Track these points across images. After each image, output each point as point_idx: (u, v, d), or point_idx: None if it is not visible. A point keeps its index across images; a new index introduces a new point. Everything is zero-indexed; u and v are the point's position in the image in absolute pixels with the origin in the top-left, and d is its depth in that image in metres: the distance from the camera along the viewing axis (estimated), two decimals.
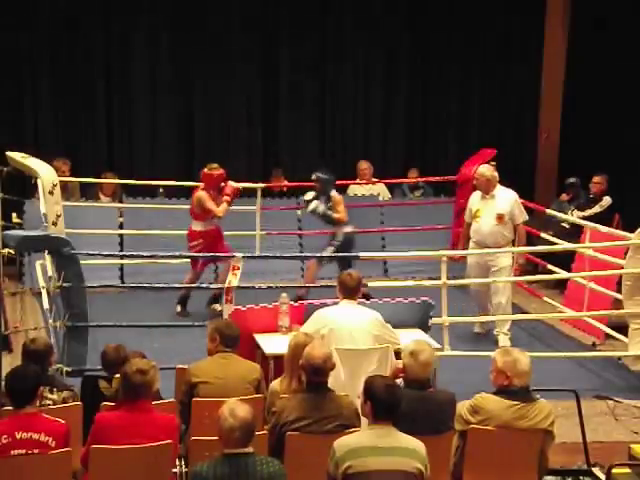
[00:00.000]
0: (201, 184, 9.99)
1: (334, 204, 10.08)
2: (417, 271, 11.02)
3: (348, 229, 10.13)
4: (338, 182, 12.09)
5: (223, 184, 9.93)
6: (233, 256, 7.90)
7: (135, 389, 5.18)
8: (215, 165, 10.00)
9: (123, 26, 12.85)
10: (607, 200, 11.17)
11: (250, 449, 4.62)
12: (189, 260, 9.90)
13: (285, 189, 12.23)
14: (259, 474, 4.57)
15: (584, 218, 10.49)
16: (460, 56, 13.63)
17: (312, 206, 10.13)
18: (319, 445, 5.12)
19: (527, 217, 9.43)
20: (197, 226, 9.86)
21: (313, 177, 10.26)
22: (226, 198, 9.79)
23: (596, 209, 11.14)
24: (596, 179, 11.26)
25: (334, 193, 10.16)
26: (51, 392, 5.74)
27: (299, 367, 5.61)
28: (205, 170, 9.94)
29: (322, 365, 5.45)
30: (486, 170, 9.45)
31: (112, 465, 5.10)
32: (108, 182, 11.75)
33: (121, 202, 11.60)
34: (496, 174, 9.40)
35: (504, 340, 9.02)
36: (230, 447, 4.59)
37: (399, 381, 5.69)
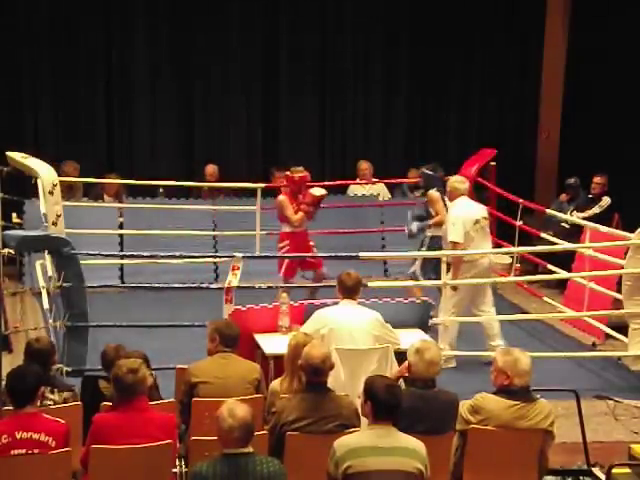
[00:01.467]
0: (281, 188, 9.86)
1: (430, 202, 9.55)
2: None
3: (436, 233, 9.36)
4: (338, 182, 12.14)
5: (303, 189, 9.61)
6: (233, 256, 7.89)
7: (129, 389, 5.19)
8: (299, 168, 9.67)
9: (123, 26, 12.85)
10: (606, 200, 11.18)
11: (250, 449, 4.62)
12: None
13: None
14: (259, 474, 4.57)
15: (584, 219, 10.49)
16: (460, 56, 13.63)
17: (408, 230, 9.61)
18: (319, 445, 5.12)
19: (455, 239, 8.61)
20: (285, 228, 9.60)
21: (419, 172, 10.11)
22: (304, 207, 9.47)
23: (595, 209, 11.14)
24: (597, 179, 11.26)
25: (432, 191, 9.59)
26: (52, 392, 5.74)
27: (299, 367, 5.61)
28: (287, 173, 9.70)
29: (320, 365, 5.44)
30: (449, 179, 9.14)
31: (112, 465, 5.10)
32: (108, 182, 11.75)
33: (121, 202, 11.60)
34: (457, 186, 8.89)
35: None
36: (230, 447, 4.59)
37: (400, 381, 5.69)
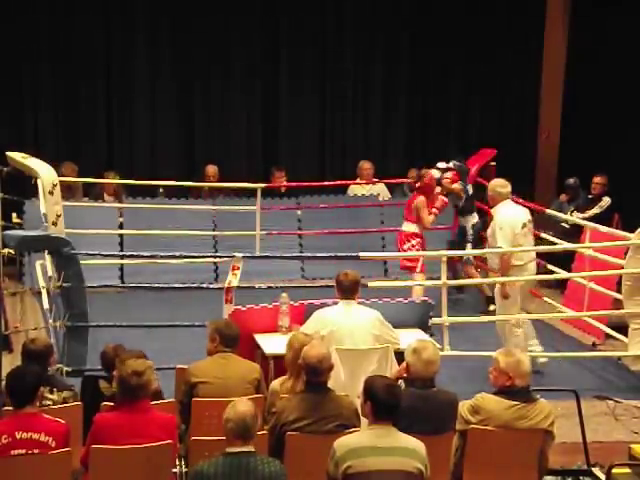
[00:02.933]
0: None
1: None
2: None
3: (475, 220, 10.54)
4: (338, 182, 12.15)
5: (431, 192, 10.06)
6: (233, 256, 7.89)
7: (132, 391, 5.18)
8: (424, 170, 10.18)
9: (123, 26, 12.85)
10: (606, 200, 11.18)
11: (251, 448, 4.63)
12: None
13: (285, 189, 12.22)
14: (260, 473, 4.58)
15: (584, 219, 10.49)
16: (460, 56, 13.63)
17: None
18: (319, 445, 5.12)
19: (504, 245, 8.39)
20: (413, 227, 9.90)
21: (451, 164, 10.49)
22: (434, 211, 9.90)
23: (595, 210, 11.14)
24: (597, 179, 11.26)
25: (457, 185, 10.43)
26: (51, 392, 5.74)
27: (300, 367, 5.61)
28: (424, 179, 10.00)
29: (318, 365, 5.44)
30: (490, 184, 9.01)
31: (112, 465, 5.10)
32: (108, 182, 11.74)
33: (121, 202, 11.60)
34: (500, 190, 8.68)
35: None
36: (229, 442, 4.61)
37: (399, 382, 5.68)
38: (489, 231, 8.76)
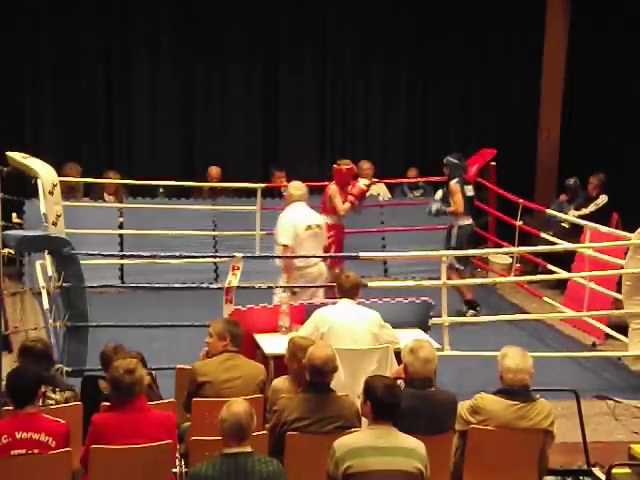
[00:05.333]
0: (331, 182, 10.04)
1: (449, 193, 10.10)
2: (417, 271, 11.02)
3: (463, 222, 10.08)
4: None
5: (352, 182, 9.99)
6: (233, 256, 7.89)
7: (128, 390, 5.18)
8: (345, 160, 10.09)
9: (123, 26, 12.84)
10: (603, 199, 11.20)
11: (248, 448, 4.62)
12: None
13: (285, 189, 12.20)
14: (258, 473, 4.57)
15: (580, 217, 10.50)
16: (460, 56, 13.63)
17: (428, 208, 10.20)
18: (319, 445, 5.12)
19: (283, 241, 8.64)
20: (329, 219, 9.73)
21: (444, 161, 10.35)
22: (350, 199, 9.80)
23: (591, 208, 11.16)
24: (590, 179, 11.33)
25: (453, 182, 10.11)
26: (54, 392, 5.74)
27: (302, 368, 5.60)
28: (335, 165, 10.00)
29: (322, 366, 5.44)
30: (288, 185, 9.23)
31: (112, 465, 5.10)
32: (108, 182, 11.74)
33: (122, 202, 11.60)
34: (292, 192, 8.95)
35: None
36: (225, 442, 4.61)
37: (399, 382, 5.68)
38: (275, 229, 8.89)
